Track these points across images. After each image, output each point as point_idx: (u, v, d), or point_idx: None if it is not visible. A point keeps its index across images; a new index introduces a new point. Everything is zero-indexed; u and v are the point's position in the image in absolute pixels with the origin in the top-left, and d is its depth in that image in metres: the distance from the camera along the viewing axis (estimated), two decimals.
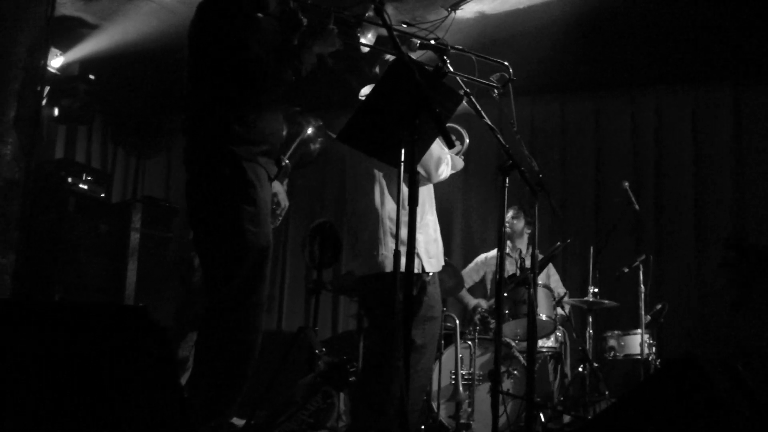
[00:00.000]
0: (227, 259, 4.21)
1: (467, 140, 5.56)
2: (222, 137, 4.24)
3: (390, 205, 5.07)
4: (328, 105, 9.58)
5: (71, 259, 8.12)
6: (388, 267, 4.93)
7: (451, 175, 8.41)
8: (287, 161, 5.75)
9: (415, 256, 4.87)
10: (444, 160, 5.11)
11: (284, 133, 4.77)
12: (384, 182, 5.14)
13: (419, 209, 4.94)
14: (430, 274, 5.04)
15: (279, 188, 5.55)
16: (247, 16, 4.31)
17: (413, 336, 4.83)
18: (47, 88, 5.67)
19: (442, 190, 9.84)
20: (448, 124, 5.17)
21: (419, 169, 4.92)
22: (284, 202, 5.17)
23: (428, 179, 5.13)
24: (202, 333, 4.24)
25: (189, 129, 4.40)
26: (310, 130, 5.85)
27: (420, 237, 4.97)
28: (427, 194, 5.24)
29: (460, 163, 5.45)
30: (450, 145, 3.54)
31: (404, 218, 4.90)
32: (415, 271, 4.85)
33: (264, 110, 4.36)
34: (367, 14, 4.39)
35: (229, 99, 4.29)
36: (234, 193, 4.22)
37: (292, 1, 4.47)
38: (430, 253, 5.07)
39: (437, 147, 5.03)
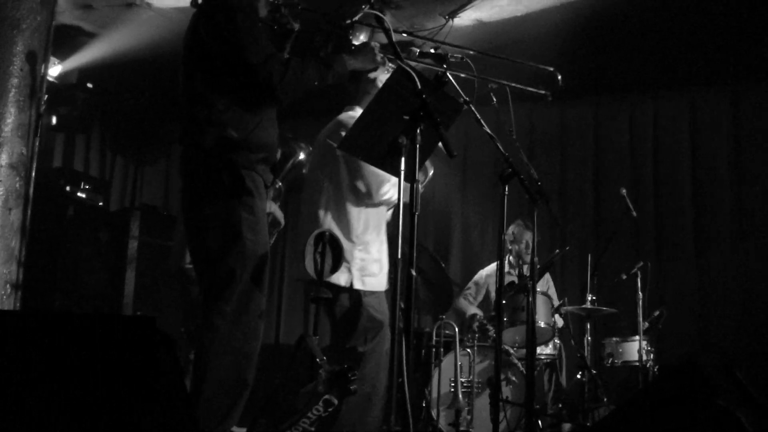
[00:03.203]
0: (226, 268, 4.20)
1: (431, 172, 5.58)
2: (220, 145, 4.22)
3: (331, 216, 5.17)
4: (328, 112, 9.59)
5: (70, 268, 8.12)
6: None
7: (450, 182, 8.54)
8: (280, 183, 5.78)
9: (347, 271, 5.04)
10: (388, 182, 5.16)
11: (279, 151, 4.77)
12: (331, 193, 5.22)
13: (360, 227, 5.16)
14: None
15: (274, 207, 5.58)
16: (249, 21, 4.31)
17: (355, 345, 5.05)
18: (45, 97, 5.67)
19: (440, 198, 9.92)
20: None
21: (360, 184, 5.04)
22: (281, 220, 5.21)
23: (368, 196, 5.17)
24: (201, 342, 4.22)
25: (186, 138, 4.39)
26: (302, 155, 5.89)
27: (358, 254, 5.10)
28: (374, 215, 5.28)
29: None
30: (450, 155, 3.55)
31: (365, 237, 5.15)
32: (343, 284, 5.04)
33: (262, 118, 4.35)
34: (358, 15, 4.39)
35: (227, 107, 4.27)
36: (232, 202, 4.21)
37: (282, 8, 4.46)
38: (369, 272, 5.14)
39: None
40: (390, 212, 5.51)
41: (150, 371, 2.26)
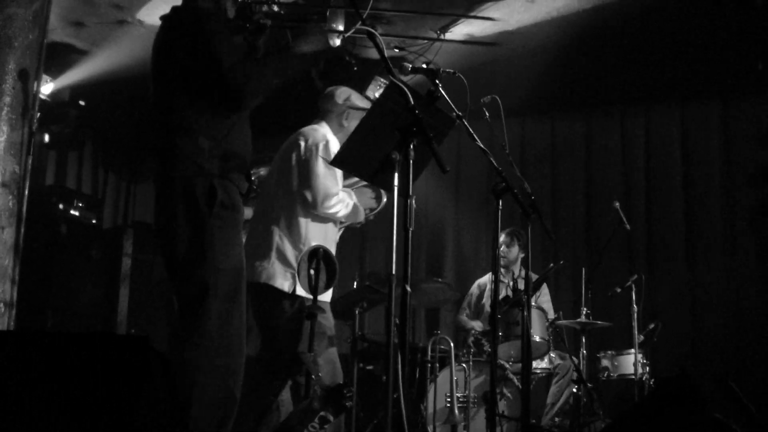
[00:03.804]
0: (200, 283, 4.10)
1: (384, 200, 5.69)
2: (193, 153, 4.17)
3: (282, 223, 5.33)
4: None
5: (63, 286, 8.10)
6: (263, 278, 5.21)
7: (443, 196, 8.47)
8: None
9: (291, 278, 5.20)
10: (334, 196, 5.31)
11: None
12: (283, 201, 5.39)
13: (308, 236, 5.33)
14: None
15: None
16: (216, 26, 4.29)
17: (302, 350, 5.03)
18: (38, 114, 5.66)
19: (434, 211, 9.92)
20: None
21: (307, 193, 5.15)
22: None
23: (314, 206, 5.30)
24: (184, 361, 4.11)
25: (158, 149, 4.33)
26: None
27: (305, 265, 5.14)
28: (320, 229, 5.42)
29: (359, 218, 5.61)
30: (443, 170, 3.55)
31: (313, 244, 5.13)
32: (286, 290, 5.20)
33: (234, 124, 4.30)
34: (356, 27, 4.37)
35: (198, 114, 4.22)
36: (204, 213, 4.13)
37: (253, 5, 4.44)
38: None
39: (333, 182, 5.31)
40: (341, 232, 5.65)
41: (143, 390, 2.25)
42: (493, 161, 4.48)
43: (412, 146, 3.60)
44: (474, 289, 8.54)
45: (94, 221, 8.83)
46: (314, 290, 4.56)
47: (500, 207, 4.61)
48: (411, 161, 3.60)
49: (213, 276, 4.11)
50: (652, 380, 7.32)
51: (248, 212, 6.33)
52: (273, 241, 5.29)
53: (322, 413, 4.02)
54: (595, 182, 9.69)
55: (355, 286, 7.42)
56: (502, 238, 8.13)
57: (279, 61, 4.34)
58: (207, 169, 4.16)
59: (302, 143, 5.39)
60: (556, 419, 7.42)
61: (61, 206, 8.41)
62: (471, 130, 4.31)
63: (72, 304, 8.17)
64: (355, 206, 5.44)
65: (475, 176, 9.89)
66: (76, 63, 9.10)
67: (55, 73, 9.01)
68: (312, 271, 4.69)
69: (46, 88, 8.89)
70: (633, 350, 7.28)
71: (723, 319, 8.64)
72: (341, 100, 5.63)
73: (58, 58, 8.79)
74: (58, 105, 9.25)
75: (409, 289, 3.54)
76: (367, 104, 5.73)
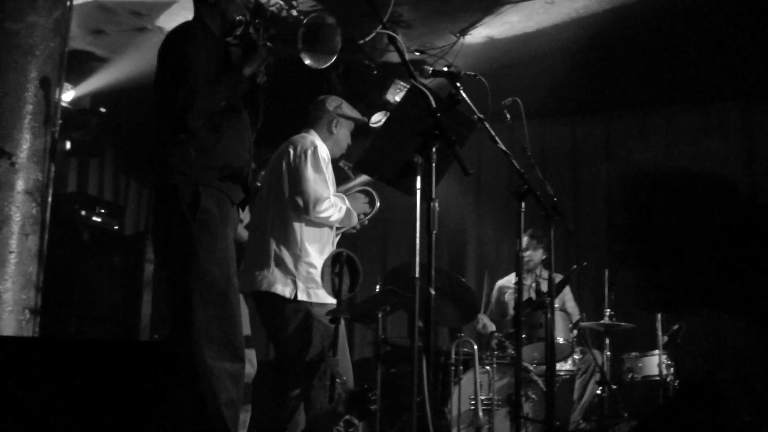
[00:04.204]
0: (185, 290, 4.14)
1: (378, 204, 5.73)
2: (181, 163, 4.22)
3: (277, 229, 5.39)
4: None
5: (86, 293, 8.12)
6: (264, 286, 5.25)
7: (464, 199, 8.43)
8: None
9: (292, 283, 5.25)
10: (326, 200, 5.36)
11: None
12: (276, 208, 5.46)
13: (304, 240, 5.39)
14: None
15: (243, 233, 5.65)
16: (198, 46, 4.31)
17: (320, 355, 5.14)
18: (59, 122, 5.70)
19: (455, 214, 9.89)
20: (364, 187, 5.65)
21: (298, 199, 5.23)
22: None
23: (306, 212, 5.35)
24: (184, 369, 4.09)
25: (153, 158, 4.39)
26: None
27: (304, 266, 5.30)
28: (315, 233, 5.47)
29: (353, 223, 5.67)
30: (466, 173, 3.55)
31: (310, 250, 5.33)
32: (287, 296, 5.22)
33: (224, 135, 4.34)
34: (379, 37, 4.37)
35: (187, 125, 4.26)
36: (188, 220, 4.18)
37: (250, 27, 4.46)
38: (318, 284, 5.24)
39: (323, 186, 5.36)
40: (338, 238, 5.69)
41: (166, 396, 2.26)
42: (515, 163, 4.47)
43: (434, 149, 3.60)
44: (495, 291, 8.52)
45: (116, 227, 8.85)
46: (338, 294, 4.56)
47: (523, 209, 4.60)
48: (433, 164, 3.60)
49: (198, 280, 4.16)
50: (677, 381, 7.29)
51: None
52: (270, 250, 5.34)
53: (347, 417, 4.02)
54: (616, 184, 9.66)
55: (377, 290, 7.40)
56: (525, 241, 8.09)
57: (230, 83, 4.37)
58: (193, 178, 4.22)
59: (291, 151, 5.47)
60: (581, 422, 7.39)
61: (83, 213, 8.44)
62: (492, 132, 4.30)
63: (95, 311, 8.20)
64: (348, 211, 5.51)
65: (496, 179, 9.88)
66: (97, 70, 9.13)
67: (75, 80, 9.04)
68: (335, 275, 4.69)
69: (67, 95, 8.91)
70: (657, 351, 7.25)
71: (747, 320, 8.57)
72: (332, 107, 5.72)
73: (78, 66, 8.81)
74: (78, 112, 9.29)
75: (433, 292, 3.54)
76: (356, 114, 5.85)
